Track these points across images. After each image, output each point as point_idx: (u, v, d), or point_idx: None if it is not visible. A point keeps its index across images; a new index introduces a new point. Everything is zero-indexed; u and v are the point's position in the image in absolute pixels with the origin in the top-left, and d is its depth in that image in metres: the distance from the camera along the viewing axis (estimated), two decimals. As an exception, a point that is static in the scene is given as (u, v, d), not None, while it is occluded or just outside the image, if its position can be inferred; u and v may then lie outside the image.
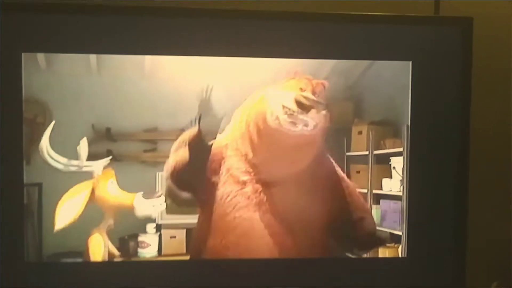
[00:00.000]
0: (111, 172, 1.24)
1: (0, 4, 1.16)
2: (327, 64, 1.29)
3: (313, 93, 1.26)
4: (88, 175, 1.24)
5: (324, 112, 1.26)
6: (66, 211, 1.21)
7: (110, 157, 1.23)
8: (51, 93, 1.21)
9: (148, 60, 1.23)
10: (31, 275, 1.22)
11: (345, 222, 1.32)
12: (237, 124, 1.27)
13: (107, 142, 1.24)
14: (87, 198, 1.23)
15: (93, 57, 1.21)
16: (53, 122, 1.21)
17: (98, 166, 1.23)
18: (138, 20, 1.21)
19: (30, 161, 1.20)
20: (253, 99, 1.27)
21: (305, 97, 1.25)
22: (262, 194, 1.27)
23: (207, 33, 1.24)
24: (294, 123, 1.24)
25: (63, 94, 1.21)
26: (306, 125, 1.24)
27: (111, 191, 1.23)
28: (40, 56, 1.20)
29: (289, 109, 1.24)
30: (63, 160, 1.21)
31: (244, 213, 1.27)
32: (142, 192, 1.25)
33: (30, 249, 1.22)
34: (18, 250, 1.21)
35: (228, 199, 1.26)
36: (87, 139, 1.23)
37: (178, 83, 1.25)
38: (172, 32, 1.23)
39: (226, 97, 1.26)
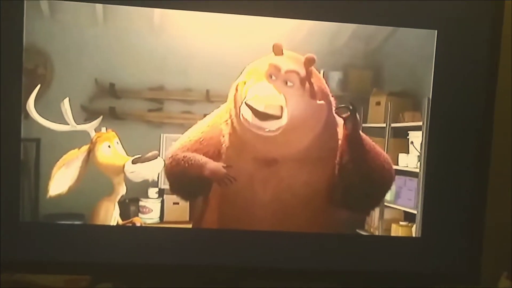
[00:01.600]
0: (110, 134, 1.17)
1: None
2: (347, 28, 1.21)
3: (285, 82, 1.16)
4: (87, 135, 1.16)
5: (285, 116, 1.13)
6: (61, 178, 1.15)
7: (101, 117, 1.16)
8: (53, 43, 1.14)
9: (158, 13, 1.16)
10: (27, 234, 1.16)
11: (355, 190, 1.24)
12: (230, 99, 1.20)
13: (110, 99, 1.17)
14: (82, 164, 1.16)
15: (99, 6, 1.15)
16: (38, 86, 1.13)
17: (90, 127, 1.16)
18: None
19: (28, 115, 1.14)
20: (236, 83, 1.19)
21: (257, 102, 1.13)
22: (264, 169, 1.20)
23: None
24: (258, 126, 1.14)
25: (66, 45, 1.15)
26: (268, 129, 1.14)
27: (106, 153, 1.16)
28: (44, 3, 1.13)
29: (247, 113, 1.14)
30: (52, 125, 1.14)
31: (247, 186, 1.20)
32: (131, 158, 1.18)
33: (26, 209, 1.15)
34: (14, 209, 1.14)
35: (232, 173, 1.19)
36: (90, 94, 1.16)
37: (188, 40, 1.18)
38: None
39: (236, 57, 1.18)
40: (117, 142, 1.17)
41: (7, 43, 1.11)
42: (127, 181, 1.18)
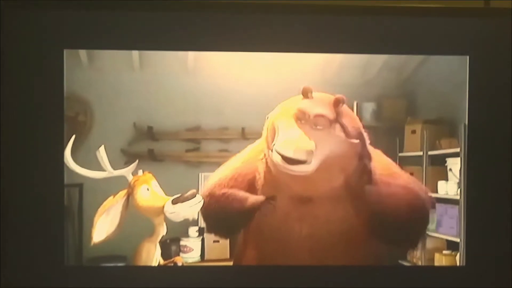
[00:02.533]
0: (147, 176, 1.19)
1: (43, 1, 1.13)
2: (379, 59, 1.22)
3: (313, 126, 1.15)
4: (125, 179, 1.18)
5: (317, 159, 1.13)
6: (103, 225, 1.16)
7: (137, 161, 1.18)
8: (92, 90, 1.18)
9: (191, 56, 1.19)
10: (71, 278, 1.17)
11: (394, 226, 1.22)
12: (263, 138, 1.21)
13: (148, 141, 1.19)
14: (123, 208, 1.18)
15: (135, 53, 1.18)
16: (73, 137, 1.16)
17: (127, 172, 1.18)
18: (181, 16, 1.17)
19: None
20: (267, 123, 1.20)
21: (286, 148, 1.13)
22: (299, 207, 1.20)
23: (251, 28, 1.18)
24: (290, 169, 1.14)
25: (104, 91, 1.18)
26: (301, 170, 1.13)
27: (145, 196, 1.18)
28: (82, 53, 1.17)
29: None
30: (88, 172, 1.16)
31: (283, 223, 1.20)
32: (171, 198, 1.18)
33: (70, 252, 1.17)
34: (58, 253, 1.16)
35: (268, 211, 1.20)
36: (129, 137, 1.18)
37: (222, 80, 1.20)
38: (215, 27, 1.18)
39: (269, 94, 1.20)
40: (155, 184, 1.18)
41: (49, 92, 1.15)
42: (168, 221, 1.19)
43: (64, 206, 1.16)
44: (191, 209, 1.17)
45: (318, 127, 1.15)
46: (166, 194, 1.20)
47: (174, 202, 1.16)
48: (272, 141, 1.15)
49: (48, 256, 1.16)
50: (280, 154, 1.12)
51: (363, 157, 1.19)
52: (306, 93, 1.17)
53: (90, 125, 1.17)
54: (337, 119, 1.15)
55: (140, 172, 1.19)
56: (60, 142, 1.15)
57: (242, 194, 1.19)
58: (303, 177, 1.13)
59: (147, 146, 1.18)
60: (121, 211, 1.16)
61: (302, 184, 1.16)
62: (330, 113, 1.15)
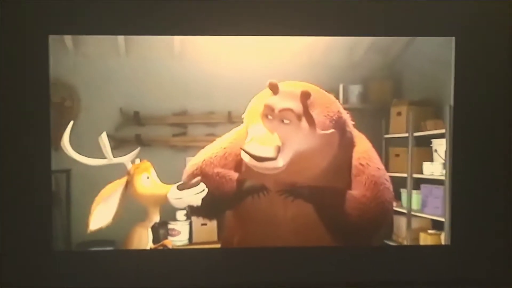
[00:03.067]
0: (147, 164, 1.18)
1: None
2: (365, 41, 1.22)
3: (281, 120, 1.12)
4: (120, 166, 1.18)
5: (287, 154, 1.10)
6: (101, 213, 1.15)
7: (138, 149, 1.17)
8: (78, 76, 1.17)
9: (178, 40, 1.18)
10: (60, 263, 1.19)
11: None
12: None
13: (135, 126, 1.19)
14: (121, 197, 1.16)
15: (121, 38, 1.17)
16: (71, 123, 1.14)
17: (127, 160, 1.17)
18: (167, 0, 1.16)
19: (58, 148, 1.17)
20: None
21: (253, 147, 1.11)
22: (283, 191, 1.20)
23: (238, 12, 1.17)
24: (260, 167, 1.12)
25: (90, 77, 1.18)
26: (272, 168, 1.11)
27: (146, 184, 1.17)
28: (67, 38, 1.16)
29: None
30: (89, 160, 1.15)
31: (269, 206, 1.20)
32: (176, 184, 1.18)
33: (59, 237, 1.18)
34: (47, 238, 1.17)
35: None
36: (116, 123, 1.18)
37: (208, 64, 1.20)
38: (201, 11, 1.17)
39: (256, 77, 1.19)
40: (154, 173, 1.18)
41: (34, 78, 1.14)
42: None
43: (52, 191, 1.16)
44: (196, 196, 1.16)
45: (285, 121, 1.12)
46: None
47: (180, 188, 1.16)
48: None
49: (37, 241, 1.17)
50: (247, 153, 1.11)
51: (344, 141, 1.19)
52: (272, 88, 1.14)
53: (77, 111, 1.17)
54: (304, 113, 1.12)
55: (137, 160, 1.18)
56: (47, 128, 1.15)
57: (237, 176, 1.19)
58: (275, 174, 1.13)
59: (134, 131, 1.19)
60: (119, 199, 1.15)
61: (275, 180, 1.16)
62: (297, 107, 1.12)
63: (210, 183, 1.18)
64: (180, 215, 1.23)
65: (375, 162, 1.20)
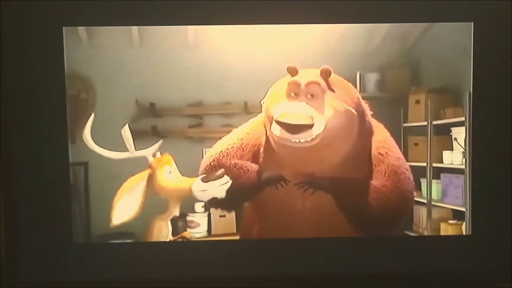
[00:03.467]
0: (168, 158, 1.18)
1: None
2: (381, 28, 1.20)
3: (307, 95, 1.13)
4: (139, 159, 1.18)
5: (320, 124, 1.11)
6: (124, 207, 1.15)
7: (160, 141, 1.18)
8: (93, 68, 1.17)
9: (192, 30, 1.17)
10: (80, 255, 1.19)
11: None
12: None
13: (151, 118, 1.19)
14: (144, 190, 1.17)
15: (135, 29, 1.17)
16: (92, 115, 1.15)
17: (148, 153, 1.17)
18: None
19: (75, 140, 1.17)
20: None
21: (287, 117, 1.11)
22: (302, 183, 1.19)
23: (252, 1, 1.16)
24: (291, 139, 1.12)
25: (105, 69, 1.17)
26: (304, 139, 1.11)
27: (169, 178, 1.17)
28: (81, 30, 1.16)
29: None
30: (111, 154, 1.15)
31: (286, 197, 1.20)
32: (200, 177, 1.18)
33: (79, 230, 1.18)
34: (67, 230, 1.17)
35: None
36: (132, 114, 1.18)
37: (223, 54, 1.19)
38: (215, 0, 1.16)
39: (272, 67, 1.18)
40: (175, 166, 1.18)
41: (50, 70, 1.15)
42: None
43: (70, 184, 1.16)
44: (220, 188, 1.16)
45: (312, 96, 1.12)
46: (170, 171, 1.20)
47: (205, 181, 1.16)
48: (270, 126, 1.13)
49: (56, 234, 1.17)
50: (281, 123, 1.10)
51: (364, 130, 1.18)
52: (292, 72, 1.14)
53: (92, 103, 1.17)
54: (329, 88, 1.13)
55: (158, 154, 1.18)
56: (63, 120, 1.15)
57: (255, 166, 1.18)
58: (305, 151, 1.12)
59: (150, 123, 1.18)
60: (143, 192, 1.15)
61: (304, 158, 1.15)
62: (321, 82, 1.13)
63: (227, 175, 1.18)
64: (199, 207, 1.23)
65: (394, 151, 1.19)
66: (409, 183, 1.18)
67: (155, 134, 1.19)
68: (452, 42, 1.21)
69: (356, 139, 1.16)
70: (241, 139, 1.20)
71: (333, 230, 1.21)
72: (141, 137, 1.18)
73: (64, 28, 1.14)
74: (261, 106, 1.18)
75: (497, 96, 1.21)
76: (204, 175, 1.17)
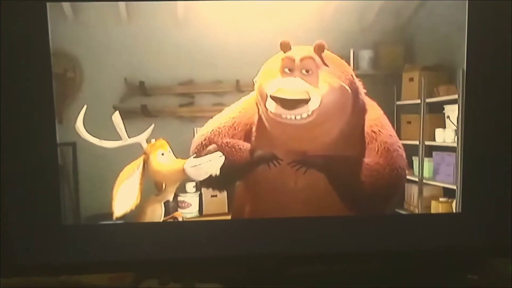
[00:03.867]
0: (162, 142, 1.16)
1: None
2: (375, 3, 1.17)
3: (301, 71, 1.11)
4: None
5: (316, 99, 1.09)
6: (123, 197, 1.13)
7: (152, 126, 1.15)
8: (80, 46, 1.13)
9: (181, 6, 1.14)
10: (70, 237, 1.17)
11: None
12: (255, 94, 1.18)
13: (141, 97, 1.16)
14: (141, 177, 1.14)
15: (122, 4, 1.13)
16: (85, 107, 1.12)
17: (142, 139, 1.15)
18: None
19: (63, 120, 1.14)
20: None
21: (283, 92, 1.09)
22: (295, 162, 1.18)
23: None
24: (288, 114, 1.10)
25: (92, 47, 1.14)
26: (300, 116, 1.09)
27: (162, 161, 1.15)
28: (66, 6, 1.11)
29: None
30: (105, 143, 1.13)
31: (279, 176, 1.19)
32: (192, 156, 1.17)
33: (68, 211, 1.16)
34: (55, 212, 1.15)
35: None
36: (121, 93, 1.15)
37: (214, 30, 1.15)
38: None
39: (264, 43, 1.16)
40: (169, 150, 1.16)
41: (34, 48, 1.11)
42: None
43: (58, 165, 1.14)
44: (213, 163, 1.14)
45: (307, 71, 1.11)
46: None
47: (197, 156, 1.14)
48: (263, 102, 1.11)
49: (45, 216, 1.15)
50: (276, 99, 1.08)
51: (357, 107, 1.16)
52: (285, 47, 1.12)
53: (79, 82, 1.14)
54: (323, 63, 1.11)
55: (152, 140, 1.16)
56: (50, 99, 1.12)
57: (247, 145, 1.17)
58: (299, 129, 1.11)
59: (140, 102, 1.15)
60: (139, 180, 1.13)
61: (297, 137, 1.14)
62: (315, 57, 1.11)
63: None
64: (190, 187, 1.21)
65: (387, 129, 1.18)
66: (402, 160, 1.18)
67: (145, 113, 1.17)
68: (447, 18, 1.19)
69: (349, 117, 1.15)
70: (233, 117, 1.19)
71: (325, 208, 1.20)
72: (131, 116, 1.15)
73: (48, 3, 1.10)
74: (254, 84, 1.15)
75: (490, 73, 1.20)
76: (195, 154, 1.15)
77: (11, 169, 1.13)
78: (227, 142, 1.16)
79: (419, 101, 1.25)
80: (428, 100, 1.25)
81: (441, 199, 1.29)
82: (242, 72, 1.16)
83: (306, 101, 1.09)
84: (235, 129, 1.17)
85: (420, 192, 1.29)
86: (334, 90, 1.11)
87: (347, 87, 1.13)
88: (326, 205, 1.21)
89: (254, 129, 1.19)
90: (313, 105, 1.09)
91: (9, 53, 1.09)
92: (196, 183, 1.22)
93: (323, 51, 1.12)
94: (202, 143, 1.17)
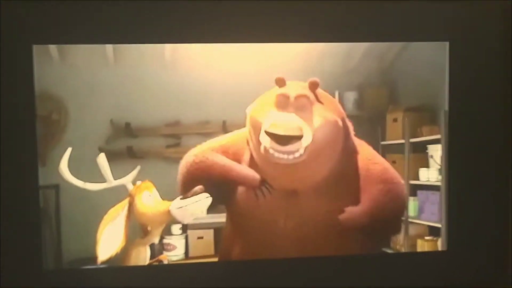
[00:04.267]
0: (147, 184, 1.15)
1: (7, -8, 1.07)
2: (359, 48, 1.20)
3: (295, 109, 1.12)
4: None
5: (308, 136, 1.10)
6: (108, 240, 1.11)
7: (138, 168, 1.14)
8: (65, 88, 1.13)
9: (169, 48, 1.14)
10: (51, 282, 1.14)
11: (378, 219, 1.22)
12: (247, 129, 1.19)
13: (127, 138, 1.15)
14: (126, 220, 1.13)
15: (109, 47, 1.13)
16: (69, 149, 1.11)
17: (127, 181, 1.14)
18: (156, 6, 1.11)
19: (46, 162, 1.12)
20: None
21: (277, 128, 1.10)
22: (284, 200, 1.18)
23: (230, 19, 1.14)
24: (281, 153, 1.11)
25: (78, 88, 1.13)
26: (292, 154, 1.10)
27: (148, 203, 1.14)
28: (53, 48, 1.11)
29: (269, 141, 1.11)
30: (90, 185, 1.12)
31: (269, 216, 1.18)
32: (178, 198, 1.15)
33: (49, 256, 1.13)
34: (36, 256, 1.12)
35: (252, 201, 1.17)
36: (106, 135, 1.14)
37: (201, 72, 1.16)
38: (193, 18, 1.13)
39: (250, 85, 1.17)
40: (155, 191, 1.15)
41: (19, 90, 1.09)
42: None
43: (40, 208, 1.11)
44: (199, 204, 1.13)
45: (301, 109, 1.12)
46: (146, 192, 1.17)
47: (183, 198, 1.13)
48: (256, 136, 1.12)
49: (25, 261, 1.12)
50: (270, 134, 1.09)
51: (348, 147, 1.18)
52: (280, 83, 1.14)
53: (64, 124, 1.13)
54: (317, 100, 1.13)
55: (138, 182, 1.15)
56: (33, 142, 1.10)
57: (234, 163, 1.17)
58: (291, 166, 1.11)
59: (126, 143, 1.14)
60: (124, 222, 1.12)
61: (289, 174, 1.14)
62: (310, 95, 1.13)
63: (209, 173, 1.16)
64: (176, 229, 1.20)
65: (384, 161, 1.20)
66: (402, 188, 1.21)
67: (130, 155, 1.16)
68: (429, 61, 1.22)
69: (341, 155, 1.16)
70: (222, 145, 1.18)
71: (314, 248, 1.20)
72: (116, 158, 1.14)
73: (34, 46, 1.09)
74: (244, 119, 1.16)
75: (472, 114, 1.23)
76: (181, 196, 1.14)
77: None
78: (217, 162, 1.15)
79: (403, 141, 1.27)
80: (412, 140, 1.27)
81: (426, 238, 1.29)
82: (229, 112, 1.17)
83: (299, 138, 1.09)
84: (224, 153, 1.17)
85: (406, 230, 1.29)
86: (327, 124, 1.13)
87: (340, 121, 1.15)
88: (315, 246, 1.20)
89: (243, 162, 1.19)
90: (305, 142, 1.10)
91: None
92: (182, 225, 1.20)
93: (317, 88, 1.14)
94: (193, 161, 1.16)
